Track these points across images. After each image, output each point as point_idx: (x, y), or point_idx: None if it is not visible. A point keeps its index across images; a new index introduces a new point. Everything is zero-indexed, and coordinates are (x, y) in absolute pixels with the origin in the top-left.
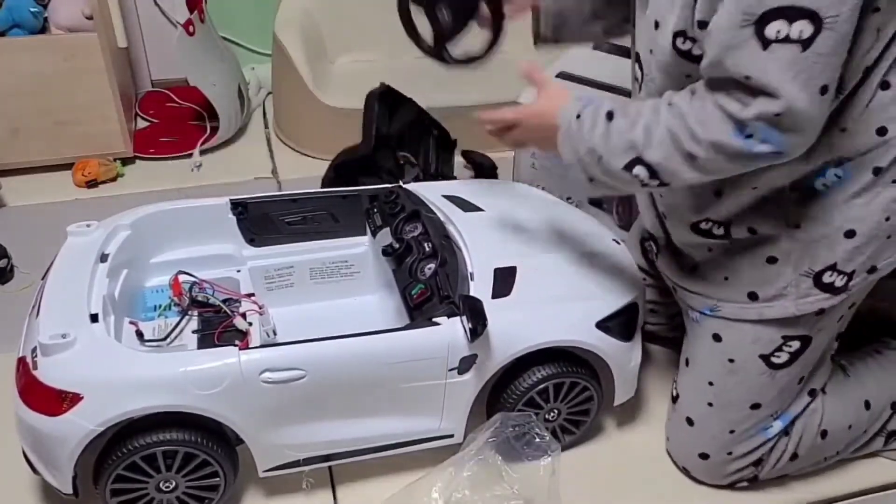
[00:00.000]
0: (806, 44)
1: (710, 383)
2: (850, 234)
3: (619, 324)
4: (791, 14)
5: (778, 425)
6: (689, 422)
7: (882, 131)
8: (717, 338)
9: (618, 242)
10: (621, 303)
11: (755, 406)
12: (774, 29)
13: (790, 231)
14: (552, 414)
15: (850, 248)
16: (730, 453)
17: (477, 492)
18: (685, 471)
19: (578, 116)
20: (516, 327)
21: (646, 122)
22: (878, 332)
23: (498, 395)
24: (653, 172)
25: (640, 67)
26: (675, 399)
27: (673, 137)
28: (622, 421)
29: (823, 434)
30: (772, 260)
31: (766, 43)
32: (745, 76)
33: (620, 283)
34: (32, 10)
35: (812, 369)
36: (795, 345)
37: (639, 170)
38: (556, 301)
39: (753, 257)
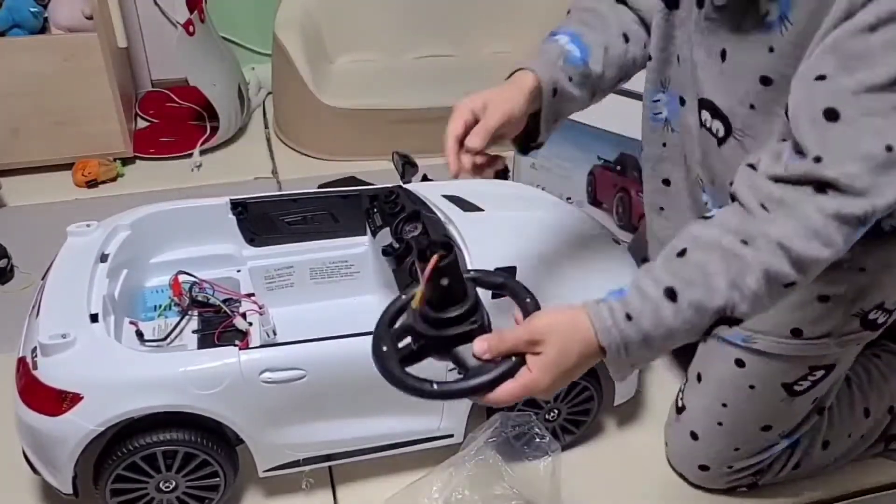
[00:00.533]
0: None
1: (724, 405)
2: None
3: None
4: None
5: (784, 443)
6: (694, 436)
7: None
8: (739, 363)
9: (618, 242)
10: None
11: (766, 428)
12: None
13: (852, 273)
14: (552, 414)
15: (895, 284)
16: (730, 467)
17: (477, 492)
18: (682, 476)
19: (628, 317)
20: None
21: (731, 278)
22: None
23: None
24: (735, 322)
25: (721, 121)
26: (679, 410)
27: (773, 277)
28: (622, 421)
29: (825, 445)
30: (824, 298)
31: None
32: (888, 146)
33: (620, 283)
34: (32, 10)
35: (830, 392)
36: (819, 374)
37: (720, 327)
38: (555, 301)
39: (803, 293)
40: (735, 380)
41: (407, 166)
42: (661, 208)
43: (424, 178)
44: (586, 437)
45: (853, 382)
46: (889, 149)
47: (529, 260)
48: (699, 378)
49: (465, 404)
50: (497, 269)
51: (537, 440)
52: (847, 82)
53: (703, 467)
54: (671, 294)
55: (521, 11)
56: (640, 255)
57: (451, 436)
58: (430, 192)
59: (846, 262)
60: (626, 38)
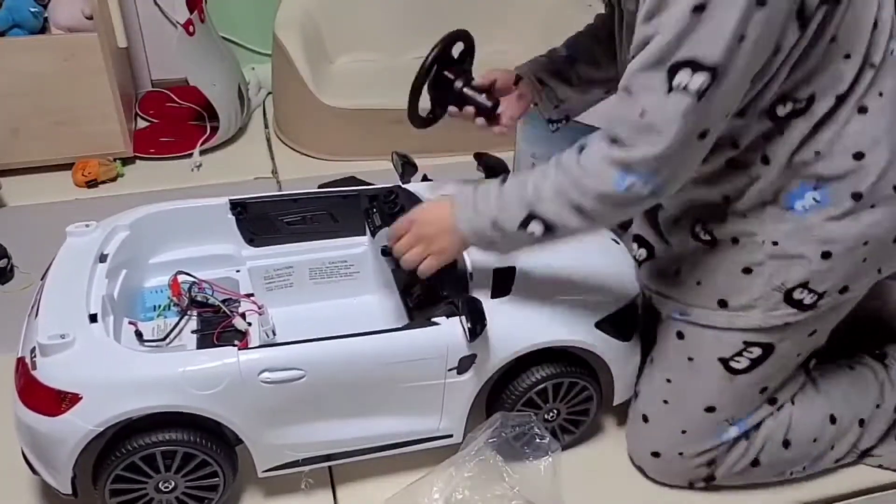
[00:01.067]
0: (700, 95)
1: (668, 380)
2: (826, 255)
3: (618, 324)
4: (696, 66)
5: (733, 431)
6: (645, 419)
7: (859, 156)
8: (679, 335)
9: (617, 242)
10: (621, 303)
11: (709, 409)
12: (679, 78)
13: (768, 247)
14: (552, 414)
15: (825, 269)
16: (681, 453)
17: (477, 492)
18: (640, 469)
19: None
20: (515, 327)
21: (534, 180)
22: (869, 333)
23: (497, 395)
24: (547, 227)
25: None
26: (635, 395)
27: (561, 191)
28: (622, 421)
29: (787, 444)
30: (747, 271)
31: (670, 88)
32: (642, 111)
33: (620, 283)
34: (32, 10)
35: (779, 381)
36: (756, 352)
37: (534, 226)
38: (555, 301)
39: (730, 265)
40: (676, 352)
41: (407, 166)
42: None
43: (424, 178)
44: (586, 437)
45: (820, 387)
46: (642, 114)
47: (528, 260)
48: (652, 360)
49: (464, 404)
50: (496, 269)
51: (537, 440)
52: (632, 64)
53: (655, 454)
54: (503, 181)
55: (521, 11)
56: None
57: (451, 436)
58: (430, 192)
59: (763, 234)
60: (612, 38)
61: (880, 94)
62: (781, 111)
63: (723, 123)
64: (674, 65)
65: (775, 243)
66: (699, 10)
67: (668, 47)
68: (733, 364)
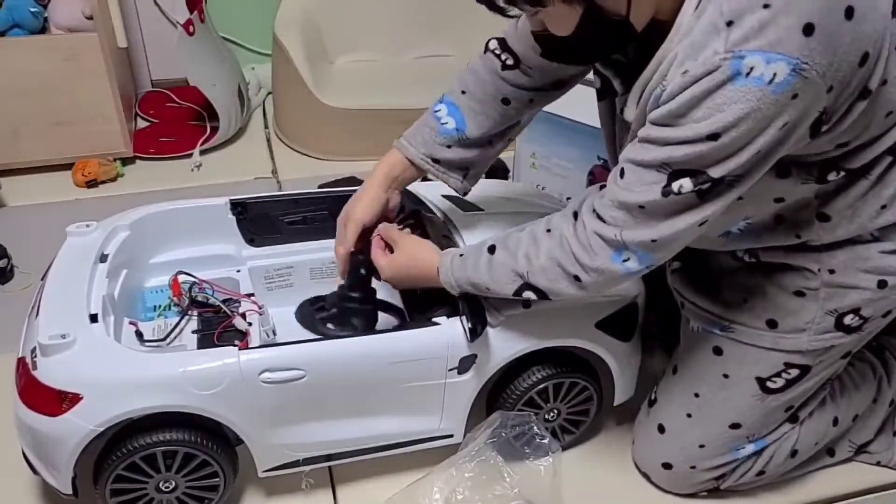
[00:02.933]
0: (703, 195)
1: (697, 394)
2: (882, 284)
3: (618, 324)
4: (699, 176)
5: (750, 448)
6: (661, 429)
7: None
8: (717, 351)
9: None
10: (621, 303)
11: (735, 426)
12: (679, 184)
13: (825, 275)
14: (552, 414)
15: (879, 297)
16: (693, 467)
17: (477, 492)
18: (646, 476)
19: (461, 255)
20: (516, 327)
21: (525, 251)
22: None
23: (498, 395)
24: (541, 294)
25: None
26: (651, 403)
27: (557, 263)
28: (622, 421)
29: (794, 454)
30: (799, 294)
31: (667, 193)
32: (640, 206)
33: None
34: (32, 10)
35: (804, 399)
36: (794, 373)
37: (528, 294)
38: (555, 301)
39: (780, 286)
40: (711, 367)
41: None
42: None
43: (424, 178)
44: (586, 437)
45: (828, 394)
46: (640, 206)
47: None
48: (675, 370)
49: (464, 404)
50: None
51: (537, 440)
52: (631, 152)
53: (667, 465)
54: (491, 249)
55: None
56: None
57: (451, 436)
58: (430, 192)
59: (818, 262)
60: (505, 102)
61: None
62: (832, 177)
63: (725, 209)
64: (676, 171)
65: (832, 272)
66: (713, 138)
67: (672, 159)
68: (770, 384)
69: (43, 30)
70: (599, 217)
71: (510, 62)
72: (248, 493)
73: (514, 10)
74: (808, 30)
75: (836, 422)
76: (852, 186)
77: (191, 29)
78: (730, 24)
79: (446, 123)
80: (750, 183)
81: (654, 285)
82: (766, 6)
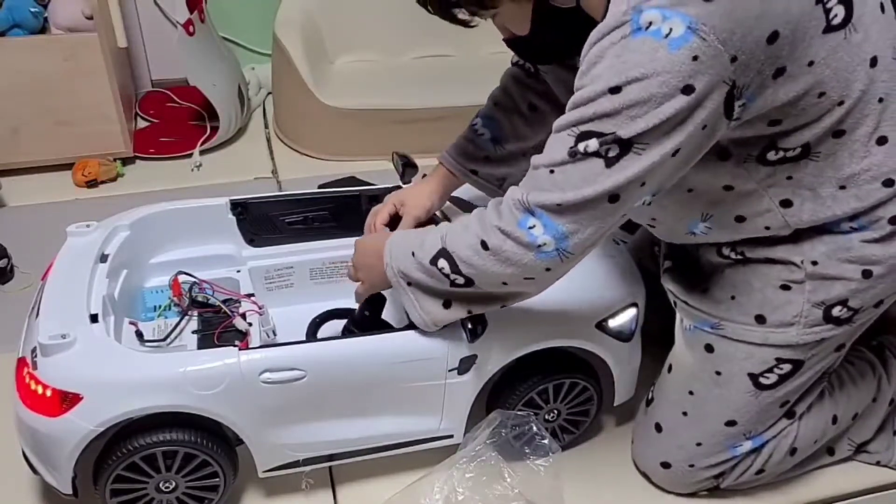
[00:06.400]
0: (609, 161)
1: (691, 392)
2: (867, 273)
3: (618, 324)
4: (605, 137)
5: (748, 445)
6: (658, 428)
7: (889, 183)
8: (709, 349)
9: (618, 243)
10: (621, 303)
11: (731, 423)
12: (585, 144)
13: (808, 266)
14: (552, 414)
15: (865, 287)
16: (692, 465)
17: (477, 492)
18: (646, 476)
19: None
20: (516, 328)
21: (452, 223)
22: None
23: (498, 395)
24: (453, 263)
25: None
26: (648, 402)
27: (467, 228)
28: (622, 421)
29: (793, 451)
30: (785, 287)
31: (573, 153)
32: (550, 170)
33: (620, 283)
34: (32, 10)
35: (800, 395)
36: (787, 368)
37: (442, 263)
38: (555, 301)
39: (766, 282)
40: (703, 365)
41: (407, 166)
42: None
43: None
44: (586, 437)
45: (825, 390)
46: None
47: None
48: (670, 369)
49: (464, 405)
50: None
51: (537, 440)
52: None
53: (665, 464)
54: (419, 247)
55: None
56: (640, 255)
57: (451, 436)
58: None
59: (801, 255)
60: (533, 108)
61: None
62: (772, 157)
63: (640, 193)
64: (583, 133)
65: (815, 263)
66: (614, 91)
67: (579, 119)
68: (762, 380)
69: (43, 30)
70: (515, 184)
71: (532, 69)
72: (248, 493)
73: (475, 20)
74: None
75: (835, 420)
76: (800, 167)
77: (191, 29)
78: None
79: (482, 134)
80: (660, 162)
81: (653, 285)
82: None
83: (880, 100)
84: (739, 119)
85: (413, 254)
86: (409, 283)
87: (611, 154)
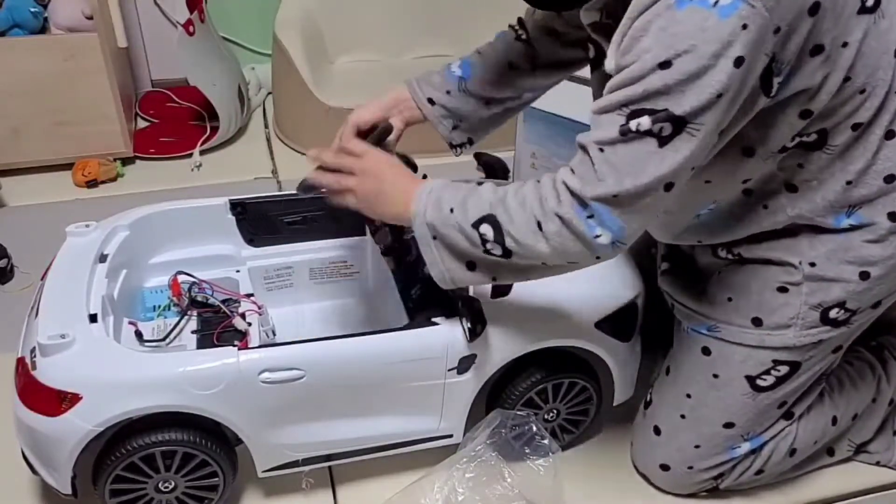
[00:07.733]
0: (663, 140)
1: (689, 395)
2: (864, 275)
3: (618, 324)
4: (657, 114)
5: (746, 447)
6: (657, 430)
7: (890, 178)
8: (706, 351)
9: None
10: (621, 303)
11: (728, 425)
12: (637, 122)
13: (806, 268)
14: (551, 414)
15: (862, 289)
16: (691, 467)
17: (477, 492)
18: (645, 478)
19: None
20: (515, 327)
21: (507, 189)
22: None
23: (497, 395)
24: (498, 233)
25: None
26: (647, 404)
27: (523, 201)
28: (622, 421)
29: (792, 452)
30: (782, 289)
31: (625, 132)
32: (600, 148)
33: (620, 283)
34: (32, 10)
35: (798, 396)
36: (784, 370)
37: (486, 228)
38: (555, 301)
39: (763, 284)
40: (700, 368)
41: (406, 166)
42: None
43: (424, 178)
44: (586, 437)
45: (825, 391)
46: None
47: None
48: (668, 371)
49: (464, 404)
50: None
51: (537, 440)
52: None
53: (664, 466)
54: (480, 184)
55: (521, 12)
56: (638, 257)
57: (451, 436)
58: None
59: (799, 255)
60: (511, 67)
61: None
62: (789, 143)
63: (687, 178)
64: (634, 111)
65: (812, 264)
66: (664, 66)
67: (629, 98)
68: (759, 382)
69: (43, 30)
70: (571, 169)
71: (523, 37)
72: (248, 493)
73: None
74: None
75: (834, 421)
76: (812, 158)
77: (191, 29)
78: None
79: (454, 71)
80: (710, 142)
81: (651, 286)
82: None
83: None
84: (775, 97)
85: (452, 210)
86: (434, 237)
87: (664, 133)
